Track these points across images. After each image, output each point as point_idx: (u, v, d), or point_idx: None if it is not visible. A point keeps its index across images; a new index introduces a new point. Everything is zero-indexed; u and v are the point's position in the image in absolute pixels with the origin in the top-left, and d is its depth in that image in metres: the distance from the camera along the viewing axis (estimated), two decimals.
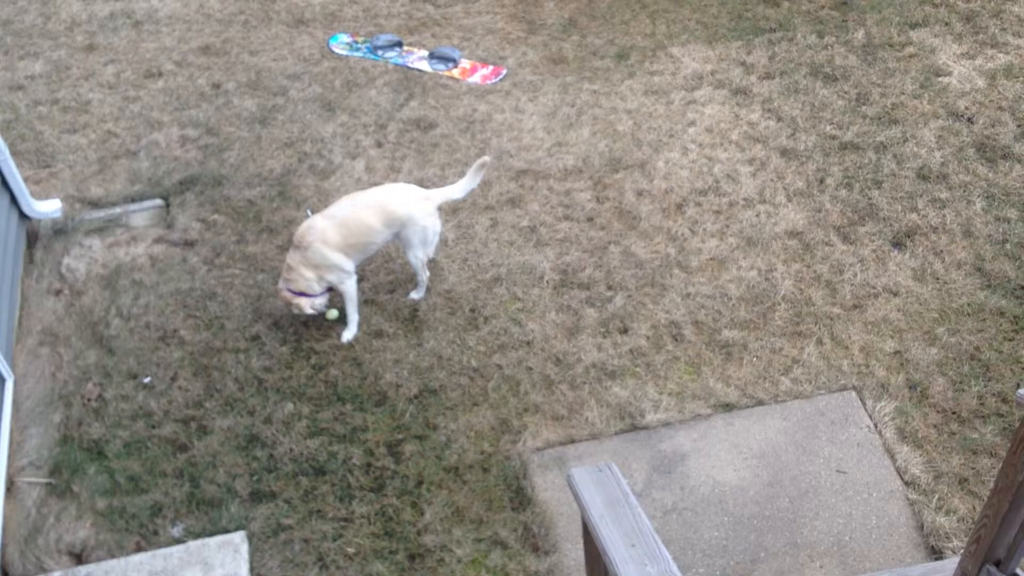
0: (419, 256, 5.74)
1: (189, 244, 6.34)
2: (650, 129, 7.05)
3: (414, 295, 5.92)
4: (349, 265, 5.61)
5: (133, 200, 6.64)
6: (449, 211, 6.44)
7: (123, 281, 6.11)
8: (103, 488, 5.07)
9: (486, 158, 5.84)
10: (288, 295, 5.57)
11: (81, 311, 5.95)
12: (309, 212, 6.22)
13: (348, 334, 5.72)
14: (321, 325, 5.78)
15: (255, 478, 5.09)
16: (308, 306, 5.60)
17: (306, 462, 5.15)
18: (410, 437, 5.25)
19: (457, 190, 5.82)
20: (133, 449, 5.23)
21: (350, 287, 5.67)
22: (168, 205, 6.64)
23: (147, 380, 5.55)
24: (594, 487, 3.49)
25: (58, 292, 6.07)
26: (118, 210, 6.56)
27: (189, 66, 7.84)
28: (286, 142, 7.08)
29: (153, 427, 5.33)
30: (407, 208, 5.59)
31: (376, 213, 5.56)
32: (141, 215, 6.57)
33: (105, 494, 5.05)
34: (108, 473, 5.13)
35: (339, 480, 5.07)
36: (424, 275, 5.85)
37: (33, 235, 6.40)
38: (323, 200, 6.47)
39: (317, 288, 5.59)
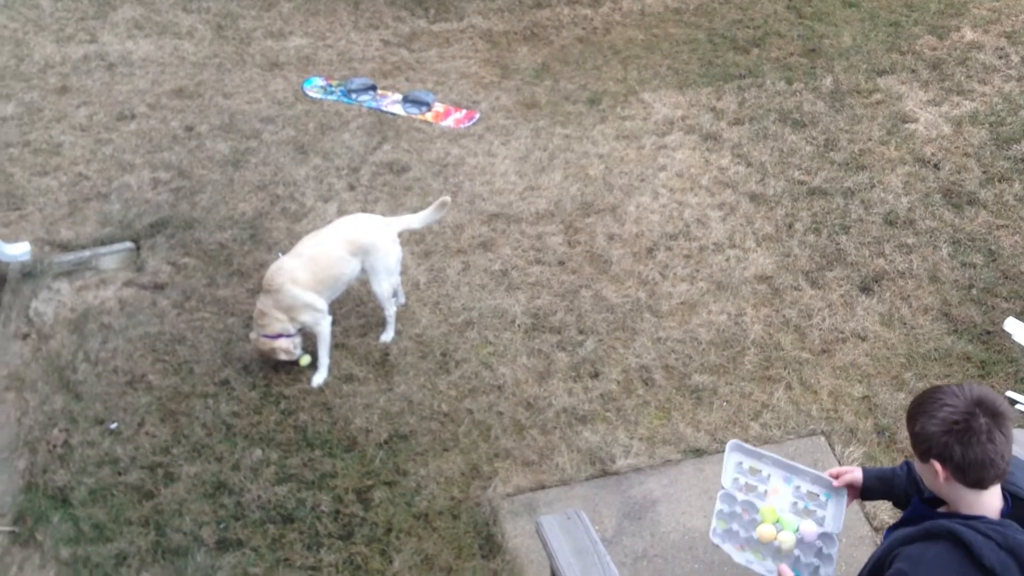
0: (384, 287, 5.75)
1: (159, 287, 6.31)
2: (621, 173, 7.11)
3: (384, 338, 5.91)
4: (322, 303, 5.61)
5: (103, 243, 6.61)
6: (421, 255, 6.45)
7: (91, 325, 6.06)
8: (67, 536, 5.00)
9: (446, 198, 5.89)
10: (265, 340, 5.55)
11: (48, 355, 5.90)
12: (280, 255, 6.21)
13: (319, 378, 5.70)
14: (291, 369, 5.76)
15: (222, 526, 5.04)
16: (291, 346, 5.58)
17: (274, 509, 5.10)
18: (380, 483, 5.22)
19: (416, 220, 5.89)
20: (99, 496, 5.17)
21: (324, 328, 5.67)
22: (139, 248, 6.61)
23: (114, 426, 5.49)
24: (562, 535, 3.48)
25: (25, 336, 6.02)
26: (88, 253, 6.52)
27: (162, 108, 7.85)
28: (258, 185, 7.08)
29: (119, 474, 5.27)
30: (370, 235, 5.65)
31: (341, 243, 5.60)
32: (111, 258, 6.53)
33: (69, 543, 4.97)
34: (73, 521, 5.06)
35: (307, 527, 5.02)
36: (391, 310, 5.86)
37: (1, 278, 6.35)
38: (295, 243, 6.45)
39: (292, 329, 5.58)
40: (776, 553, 3.36)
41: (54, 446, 5.39)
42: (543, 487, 5.20)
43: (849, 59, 8.18)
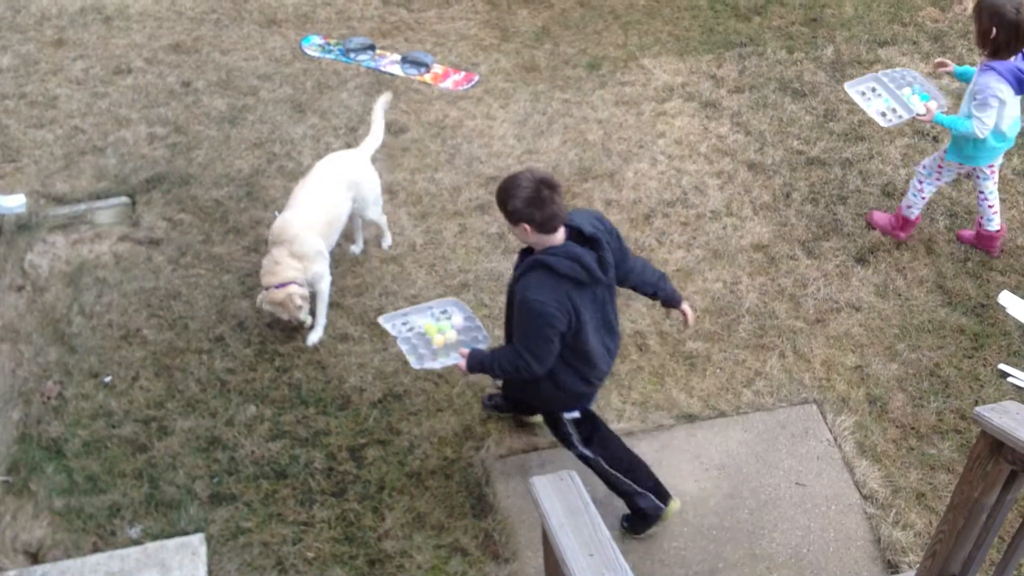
0: (377, 212, 6.05)
1: (154, 243, 6.30)
2: (620, 139, 7.09)
3: (384, 244, 6.21)
4: (327, 253, 5.69)
5: (99, 197, 6.58)
6: (418, 216, 6.44)
7: (86, 279, 6.05)
8: (61, 487, 5.02)
9: (387, 95, 6.19)
10: (277, 291, 5.47)
11: (43, 308, 5.89)
12: (276, 214, 6.19)
13: (314, 336, 5.70)
14: (286, 327, 5.76)
15: (215, 480, 5.06)
16: (305, 294, 5.53)
17: (267, 465, 5.12)
18: (373, 442, 5.24)
19: (377, 138, 6.06)
20: (92, 448, 5.18)
21: (326, 285, 5.70)
22: (134, 203, 6.58)
23: (108, 379, 5.50)
24: (555, 495, 3.49)
25: (20, 288, 6.01)
26: (83, 207, 6.49)
27: (159, 64, 7.78)
28: (255, 142, 7.05)
29: (113, 427, 5.28)
30: (355, 169, 5.85)
31: (336, 184, 5.72)
32: (106, 212, 6.51)
33: (63, 493, 5.00)
34: (66, 472, 5.08)
35: (300, 484, 5.05)
36: (384, 221, 6.18)
37: None
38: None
39: (302, 279, 5.56)
40: (452, 346, 4.72)
41: (48, 398, 5.39)
42: (536, 449, 5.23)
43: (851, 29, 8.15)
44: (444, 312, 4.93)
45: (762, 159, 6.91)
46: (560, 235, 4.18)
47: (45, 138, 7.05)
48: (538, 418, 5.24)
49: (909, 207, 6.18)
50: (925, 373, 5.59)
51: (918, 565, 4.12)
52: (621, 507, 4.92)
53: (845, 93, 6.33)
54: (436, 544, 4.82)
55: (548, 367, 4.30)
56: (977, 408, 3.45)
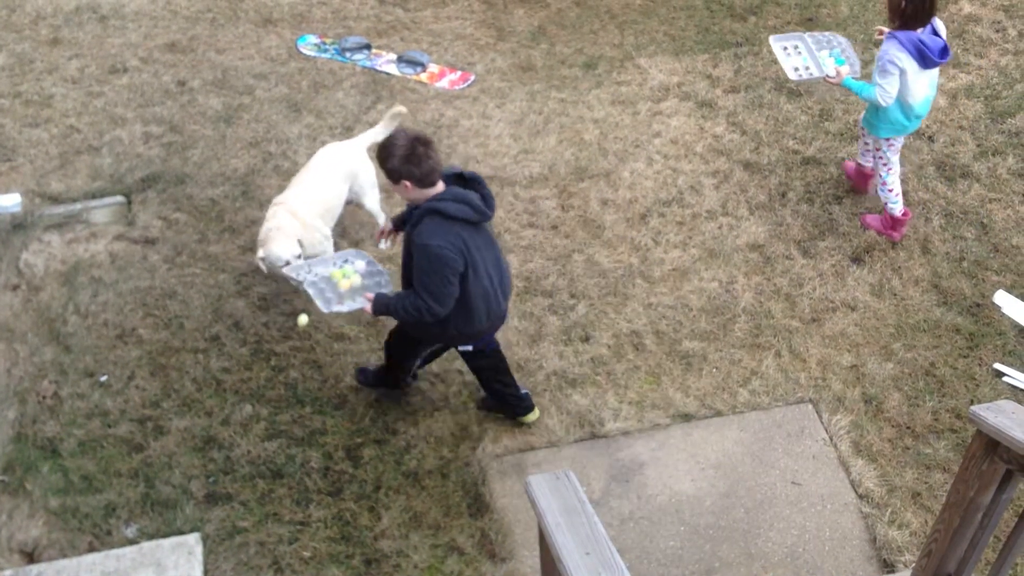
0: (375, 200, 6.08)
1: (150, 242, 6.29)
2: (616, 139, 7.09)
3: (383, 245, 6.05)
4: (327, 232, 5.77)
5: (94, 196, 6.56)
6: None
7: (82, 278, 6.04)
8: (56, 487, 5.01)
9: (401, 108, 6.13)
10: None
11: (38, 307, 5.88)
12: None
13: (304, 319, 5.59)
14: (282, 326, 5.75)
15: (211, 480, 5.06)
16: (291, 229, 5.51)
17: (263, 465, 5.12)
18: (369, 441, 5.24)
19: (378, 133, 6.03)
20: (88, 448, 5.18)
21: (327, 243, 5.81)
22: (130, 202, 6.57)
23: (103, 379, 5.49)
24: (551, 494, 3.49)
25: (15, 288, 6.00)
26: (78, 206, 6.48)
27: (154, 63, 7.77)
28: (251, 142, 7.04)
29: (109, 426, 5.28)
30: (353, 159, 5.91)
31: (333, 175, 5.81)
32: (102, 212, 6.49)
33: (58, 493, 4.99)
34: (62, 472, 5.08)
35: (296, 483, 5.05)
36: (383, 216, 6.14)
37: None
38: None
39: (301, 236, 5.54)
40: (357, 290, 4.92)
41: (44, 397, 5.38)
42: (532, 448, 5.24)
43: (846, 29, 8.14)
44: (347, 261, 5.11)
45: (758, 159, 6.92)
46: (439, 187, 4.49)
47: (40, 137, 7.03)
48: (533, 416, 5.26)
49: (889, 205, 6.23)
50: (921, 372, 5.60)
51: (914, 564, 4.13)
52: (618, 507, 4.93)
53: (770, 48, 6.52)
54: (432, 543, 4.82)
55: (449, 308, 4.55)
56: (972, 407, 3.46)
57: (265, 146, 7.00)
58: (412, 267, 4.56)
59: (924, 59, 5.66)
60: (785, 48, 6.33)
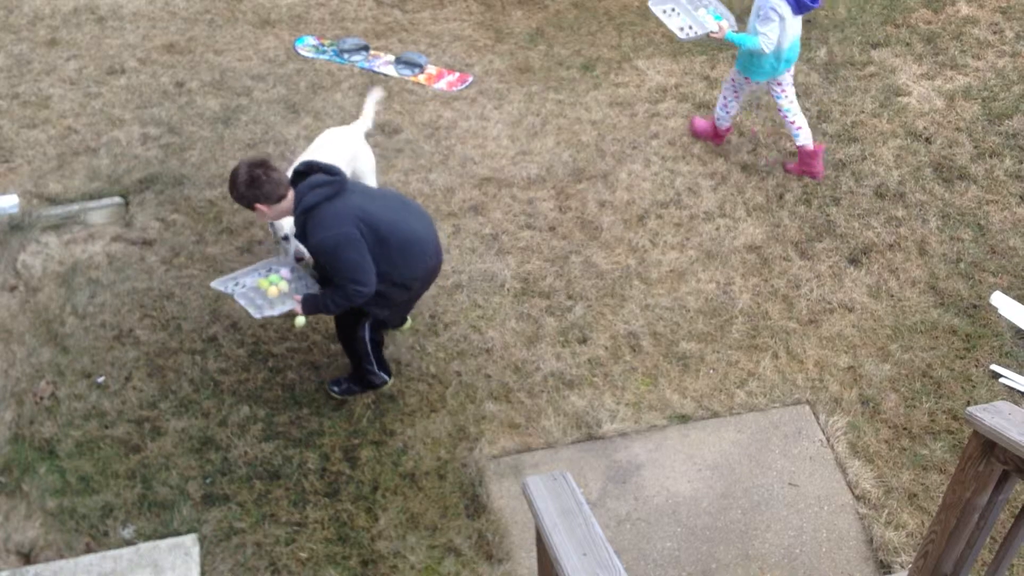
0: (374, 184, 6.04)
1: (147, 243, 6.29)
2: (614, 140, 7.10)
3: None
4: None
5: (92, 197, 6.56)
6: None
7: (79, 279, 6.04)
8: (54, 488, 5.01)
9: (378, 91, 6.32)
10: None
11: (36, 308, 5.88)
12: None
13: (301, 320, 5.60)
14: (279, 328, 5.75)
15: (208, 481, 5.06)
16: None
17: (260, 466, 5.12)
18: (366, 443, 5.24)
19: (368, 120, 6.13)
20: (85, 449, 5.18)
21: None
22: (127, 203, 6.57)
23: (101, 380, 5.49)
24: (548, 496, 3.49)
25: (13, 288, 5.99)
26: (76, 207, 6.48)
27: (152, 64, 7.77)
28: (249, 143, 7.04)
29: (106, 427, 5.28)
30: (352, 144, 5.90)
31: (336, 156, 5.72)
32: (99, 213, 6.49)
33: (55, 494, 4.99)
34: (59, 473, 5.07)
35: (293, 484, 5.04)
36: None
37: None
38: None
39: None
40: (285, 295, 4.96)
41: (41, 398, 5.38)
42: (529, 450, 5.24)
43: (844, 31, 8.16)
44: (270, 269, 5.19)
45: (755, 160, 6.92)
46: (291, 196, 4.67)
47: (38, 138, 7.03)
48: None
49: (719, 119, 6.78)
50: (917, 374, 5.61)
51: (910, 565, 4.13)
52: (615, 508, 4.93)
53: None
54: (429, 545, 4.82)
55: (374, 281, 4.70)
56: (969, 408, 3.46)
57: (263, 147, 7.00)
58: (324, 266, 4.79)
59: (800, 5, 6.04)
60: (664, 11, 6.59)
